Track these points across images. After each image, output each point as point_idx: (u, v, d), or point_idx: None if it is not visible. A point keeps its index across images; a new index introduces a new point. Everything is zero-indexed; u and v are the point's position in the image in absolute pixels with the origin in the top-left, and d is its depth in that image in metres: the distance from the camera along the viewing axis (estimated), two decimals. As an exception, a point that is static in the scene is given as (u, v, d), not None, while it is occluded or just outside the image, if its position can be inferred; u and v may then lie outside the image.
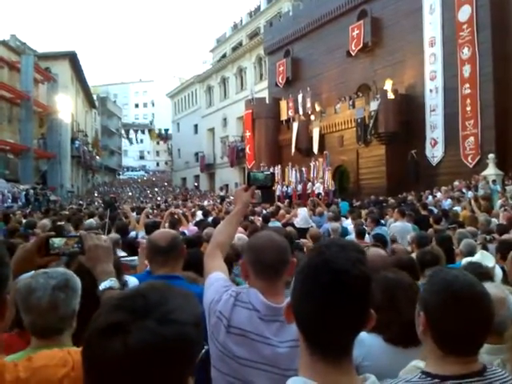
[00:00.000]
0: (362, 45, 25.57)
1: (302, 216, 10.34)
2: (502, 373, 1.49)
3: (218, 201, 25.06)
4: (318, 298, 1.08)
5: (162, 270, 2.62)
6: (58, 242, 1.73)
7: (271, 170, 25.44)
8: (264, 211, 11.97)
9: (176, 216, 10.09)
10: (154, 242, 2.72)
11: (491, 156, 18.41)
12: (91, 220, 10.09)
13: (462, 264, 3.59)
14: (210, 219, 10.04)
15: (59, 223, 8.19)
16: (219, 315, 1.78)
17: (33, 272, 1.78)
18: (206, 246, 5.49)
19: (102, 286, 1.62)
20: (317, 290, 1.08)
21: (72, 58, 41.91)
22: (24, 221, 10.59)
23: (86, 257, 1.71)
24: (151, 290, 0.91)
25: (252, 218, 9.75)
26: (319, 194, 22.86)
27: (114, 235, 5.83)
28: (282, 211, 10.30)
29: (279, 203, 15.99)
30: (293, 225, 9.02)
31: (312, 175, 25.04)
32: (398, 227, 7.29)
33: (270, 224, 8.41)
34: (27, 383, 1.27)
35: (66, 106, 38.31)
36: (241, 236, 4.82)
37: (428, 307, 1.50)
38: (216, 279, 1.93)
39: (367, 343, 2.33)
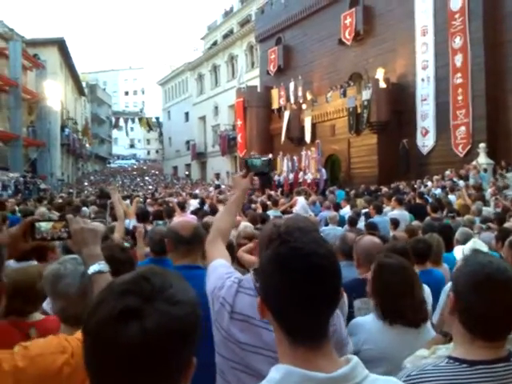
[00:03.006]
0: (354, 33, 25.50)
1: (300, 205, 10.37)
2: None
3: (211, 189, 24.97)
4: (293, 287, 1.08)
5: (183, 261, 2.61)
6: (44, 225, 1.67)
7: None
8: (259, 199, 11.97)
9: (170, 204, 10.13)
10: (176, 231, 2.69)
11: (482, 145, 18.49)
12: (84, 208, 10.04)
13: (465, 250, 3.61)
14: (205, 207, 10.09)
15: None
16: (222, 301, 1.78)
17: (63, 258, 1.77)
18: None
19: (91, 269, 1.58)
20: (290, 278, 1.08)
21: (61, 45, 41.26)
22: (17, 208, 10.53)
23: (72, 241, 1.66)
24: (154, 274, 0.93)
25: (254, 206, 9.76)
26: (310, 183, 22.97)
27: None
28: (282, 200, 10.33)
29: (270, 192, 16.01)
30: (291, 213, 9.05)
31: (304, 164, 25.08)
32: (396, 215, 7.35)
33: (271, 213, 8.41)
34: (25, 372, 1.23)
35: (55, 94, 37.82)
36: (247, 224, 4.84)
37: (458, 288, 1.49)
38: (218, 266, 1.93)
39: (367, 328, 2.38)
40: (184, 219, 3.31)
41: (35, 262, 3.36)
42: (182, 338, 0.88)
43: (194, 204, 11.87)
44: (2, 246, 1.26)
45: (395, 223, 6.87)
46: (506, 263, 1.54)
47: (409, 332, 2.33)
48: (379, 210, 7.76)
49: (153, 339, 0.84)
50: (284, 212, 8.73)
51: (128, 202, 11.20)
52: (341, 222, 8.06)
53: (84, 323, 0.91)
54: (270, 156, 21.98)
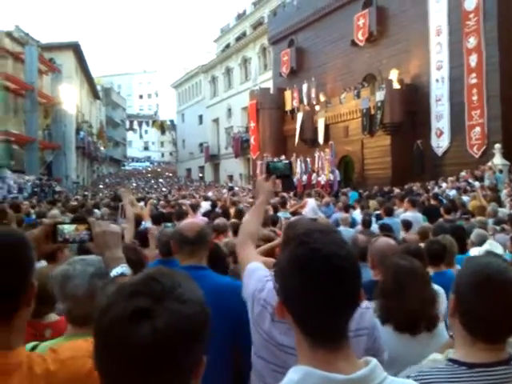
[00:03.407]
0: (367, 34, 25.40)
1: (310, 206, 10.34)
2: None
3: (224, 191, 25.03)
4: (314, 289, 1.08)
5: (189, 261, 2.63)
6: (67, 228, 1.68)
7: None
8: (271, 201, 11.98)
9: (184, 207, 10.16)
10: (181, 232, 2.72)
11: (497, 146, 18.25)
12: (96, 210, 10.12)
13: (481, 252, 3.57)
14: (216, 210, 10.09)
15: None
16: (264, 304, 1.79)
17: (72, 258, 1.78)
18: (221, 237, 5.56)
19: (114, 272, 1.60)
20: (311, 280, 1.08)
21: (76, 49, 41.82)
22: (32, 211, 10.65)
23: (93, 244, 1.68)
24: (163, 275, 0.94)
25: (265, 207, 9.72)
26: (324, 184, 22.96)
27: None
28: (293, 202, 10.29)
29: (284, 193, 15.99)
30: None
31: (317, 166, 25.06)
32: (409, 217, 7.27)
33: (281, 214, 8.40)
34: (56, 376, 1.23)
35: (70, 97, 38.28)
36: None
37: (459, 289, 1.47)
38: (255, 269, 1.94)
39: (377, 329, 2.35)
40: (191, 220, 3.33)
41: (45, 263, 3.38)
42: (192, 336, 0.89)
43: (205, 206, 11.89)
44: (32, 248, 1.26)
45: (407, 225, 6.79)
46: (506, 264, 1.51)
47: (421, 335, 2.30)
48: (389, 213, 7.66)
49: (164, 338, 0.84)
50: (294, 214, 8.70)
51: (142, 203, 11.30)
52: (352, 224, 8.02)
53: (95, 324, 0.91)
54: (283, 158, 22.04)
